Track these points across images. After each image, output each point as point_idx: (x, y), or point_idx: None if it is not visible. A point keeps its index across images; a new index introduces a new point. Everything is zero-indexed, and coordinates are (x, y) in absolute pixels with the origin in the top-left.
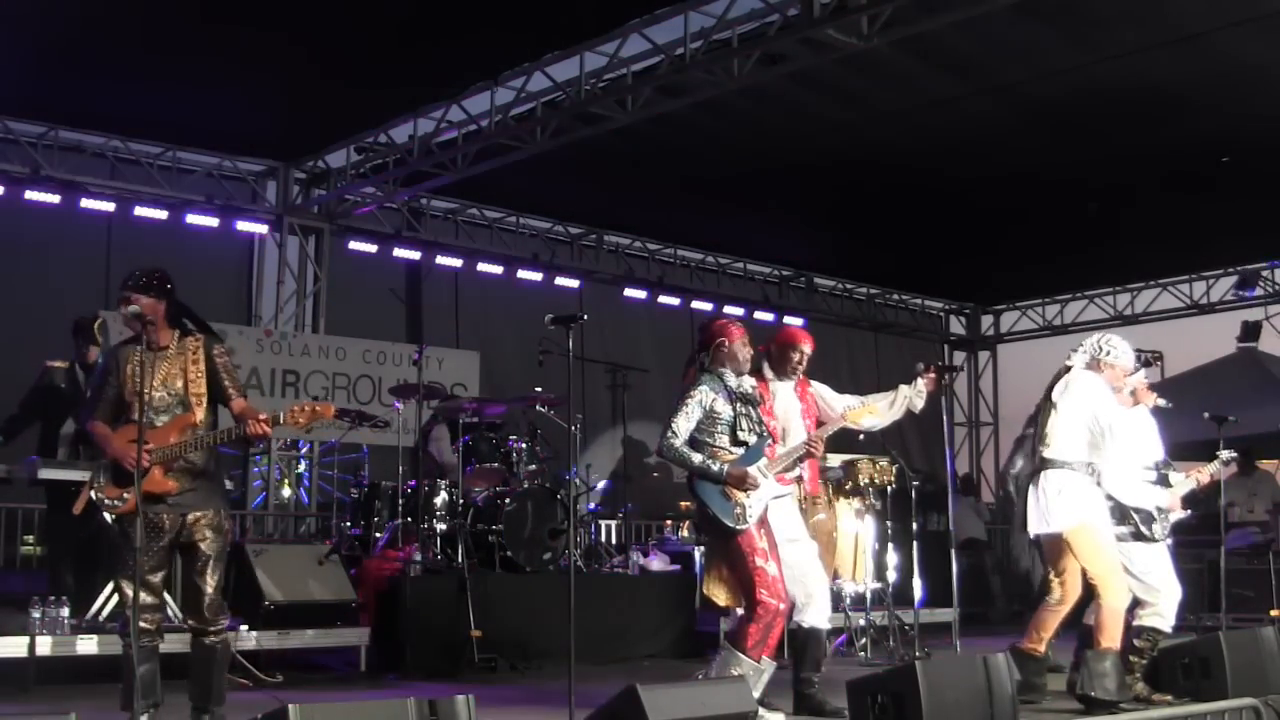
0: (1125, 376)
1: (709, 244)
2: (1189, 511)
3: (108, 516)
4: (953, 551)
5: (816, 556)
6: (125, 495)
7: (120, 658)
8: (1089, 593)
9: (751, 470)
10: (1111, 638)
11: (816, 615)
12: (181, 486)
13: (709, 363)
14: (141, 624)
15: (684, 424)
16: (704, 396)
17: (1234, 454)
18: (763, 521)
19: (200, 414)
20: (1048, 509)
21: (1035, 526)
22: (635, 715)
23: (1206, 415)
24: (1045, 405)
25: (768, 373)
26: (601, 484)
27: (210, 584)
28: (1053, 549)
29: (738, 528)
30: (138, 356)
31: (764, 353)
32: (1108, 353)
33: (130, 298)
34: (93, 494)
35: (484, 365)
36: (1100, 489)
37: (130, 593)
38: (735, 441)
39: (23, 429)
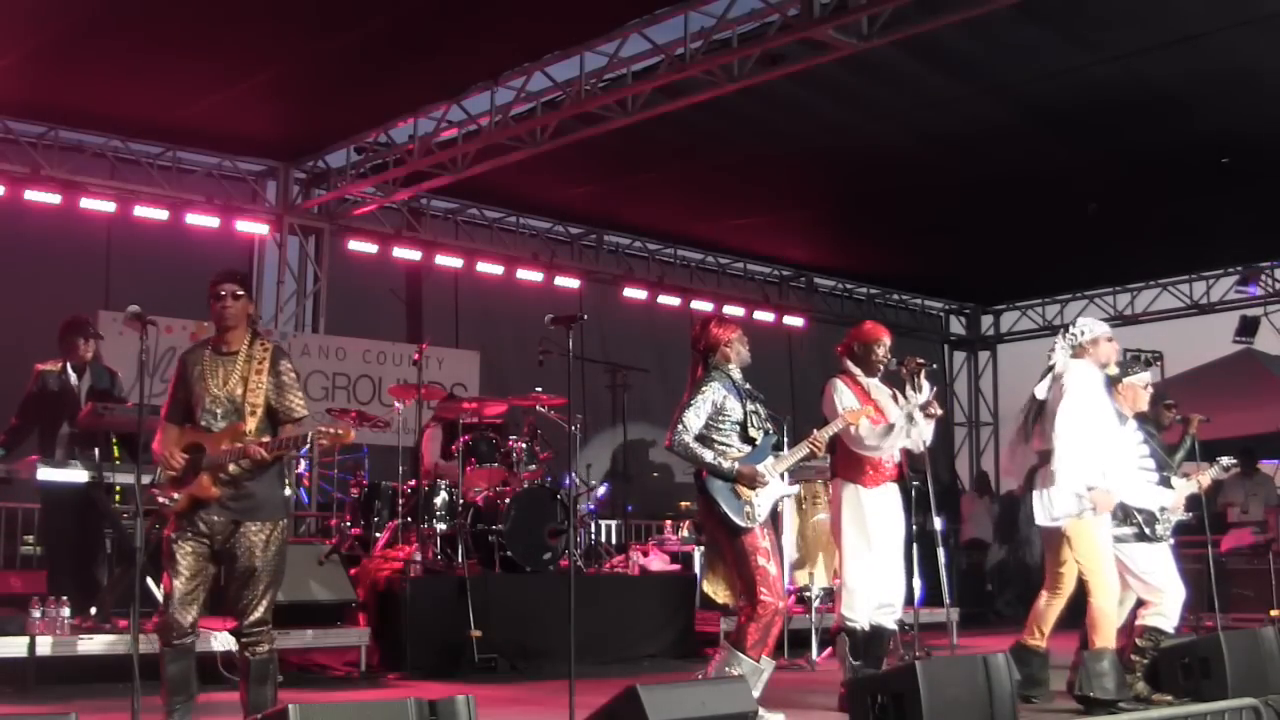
0: (1109, 343)
1: (709, 244)
2: (1190, 513)
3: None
4: (940, 550)
5: (901, 560)
6: (177, 495)
7: (155, 656)
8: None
9: (760, 468)
10: (1106, 637)
11: (886, 616)
12: (227, 494)
13: (716, 359)
14: (176, 619)
15: (694, 420)
16: (715, 393)
17: (1234, 461)
18: (765, 522)
19: (252, 423)
20: (1050, 502)
21: (1038, 519)
22: (635, 715)
23: (1177, 417)
24: (1033, 402)
25: (854, 370)
26: (601, 490)
27: (256, 599)
28: (1051, 541)
29: (746, 526)
30: (206, 360)
31: (844, 353)
32: (1083, 331)
33: (233, 290)
34: (157, 495)
35: (484, 365)
36: (1101, 484)
37: (172, 587)
38: (744, 438)
39: (25, 438)
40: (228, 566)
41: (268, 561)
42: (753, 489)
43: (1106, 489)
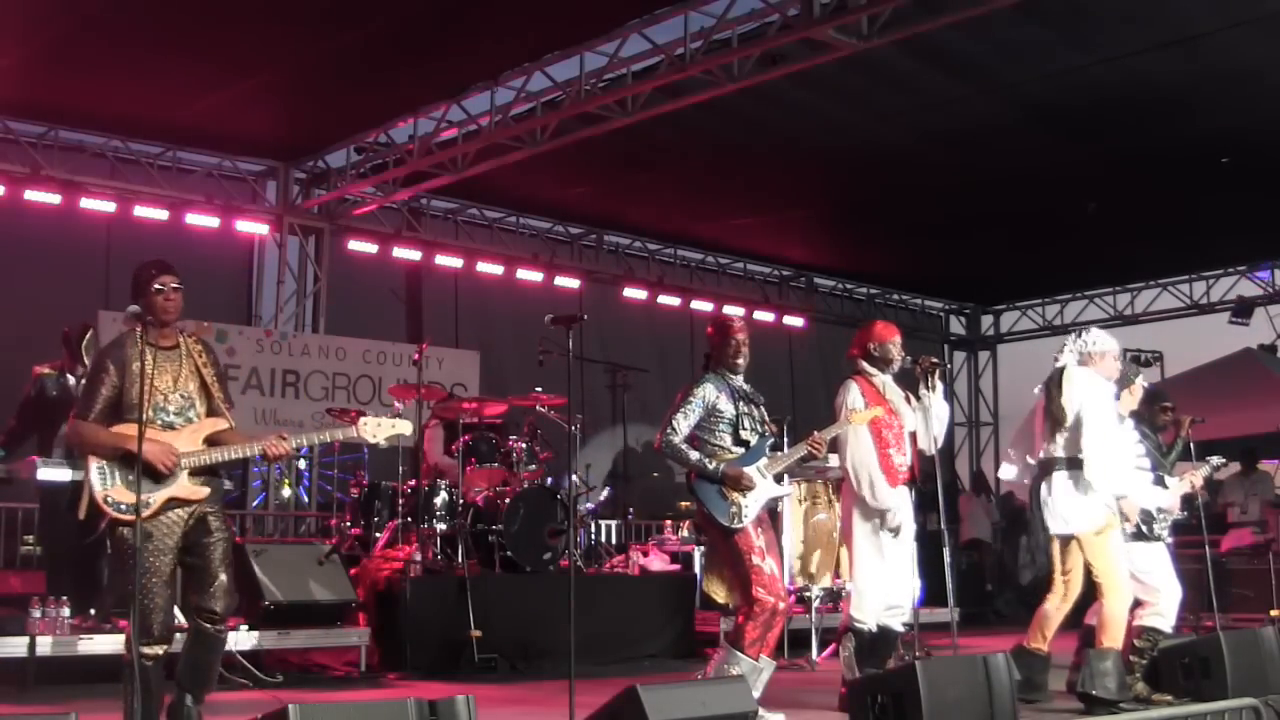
0: (1115, 362)
1: (709, 244)
2: (1185, 513)
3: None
4: (946, 550)
5: (909, 560)
6: (151, 499)
7: (120, 661)
8: (1091, 592)
9: (749, 470)
10: (1113, 638)
11: (894, 618)
12: (204, 490)
13: (712, 363)
14: (165, 629)
15: (684, 422)
16: (706, 395)
17: (1223, 461)
18: (760, 520)
19: (232, 418)
20: (1065, 509)
21: (1053, 527)
22: (635, 715)
23: (1171, 417)
24: (1047, 405)
25: (868, 370)
26: (605, 494)
27: (228, 575)
28: (1060, 548)
29: (732, 527)
30: (148, 355)
31: (858, 355)
32: (1094, 342)
33: (176, 283)
34: (103, 498)
35: (484, 365)
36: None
37: (151, 595)
38: (737, 440)
39: (24, 440)
40: (196, 554)
41: (228, 540)
42: (739, 491)
43: (1128, 497)
